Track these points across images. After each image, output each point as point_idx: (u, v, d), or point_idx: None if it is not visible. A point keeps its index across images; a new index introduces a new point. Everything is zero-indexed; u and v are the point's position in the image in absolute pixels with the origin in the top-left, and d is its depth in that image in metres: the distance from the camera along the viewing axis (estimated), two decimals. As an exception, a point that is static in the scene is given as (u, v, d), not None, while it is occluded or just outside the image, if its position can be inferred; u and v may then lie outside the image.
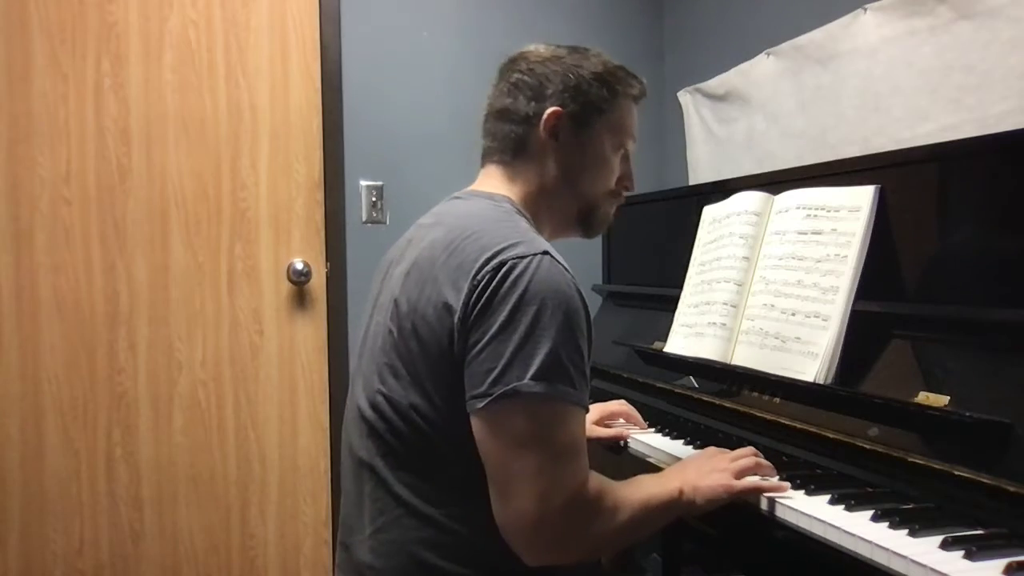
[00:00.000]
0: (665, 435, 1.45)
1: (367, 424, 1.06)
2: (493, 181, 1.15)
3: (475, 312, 0.94)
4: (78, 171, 2.10)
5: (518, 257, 0.95)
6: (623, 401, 1.56)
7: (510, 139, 1.14)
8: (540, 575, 1.01)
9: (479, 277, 0.94)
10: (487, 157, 1.18)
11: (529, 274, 0.94)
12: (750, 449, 1.13)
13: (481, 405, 0.92)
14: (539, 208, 1.14)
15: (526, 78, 1.13)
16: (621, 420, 1.53)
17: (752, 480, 1.07)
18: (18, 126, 2.05)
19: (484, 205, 1.10)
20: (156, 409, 2.17)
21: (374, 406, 1.04)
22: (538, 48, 1.17)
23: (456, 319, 0.95)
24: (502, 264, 0.94)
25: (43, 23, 2.06)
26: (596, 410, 1.51)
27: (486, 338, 0.93)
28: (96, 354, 2.12)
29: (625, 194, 1.25)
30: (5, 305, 2.05)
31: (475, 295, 0.94)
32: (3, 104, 2.04)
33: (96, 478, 2.13)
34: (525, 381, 0.90)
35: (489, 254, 0.96)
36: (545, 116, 1.11)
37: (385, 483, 1.03)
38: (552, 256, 0.97)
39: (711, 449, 1.16)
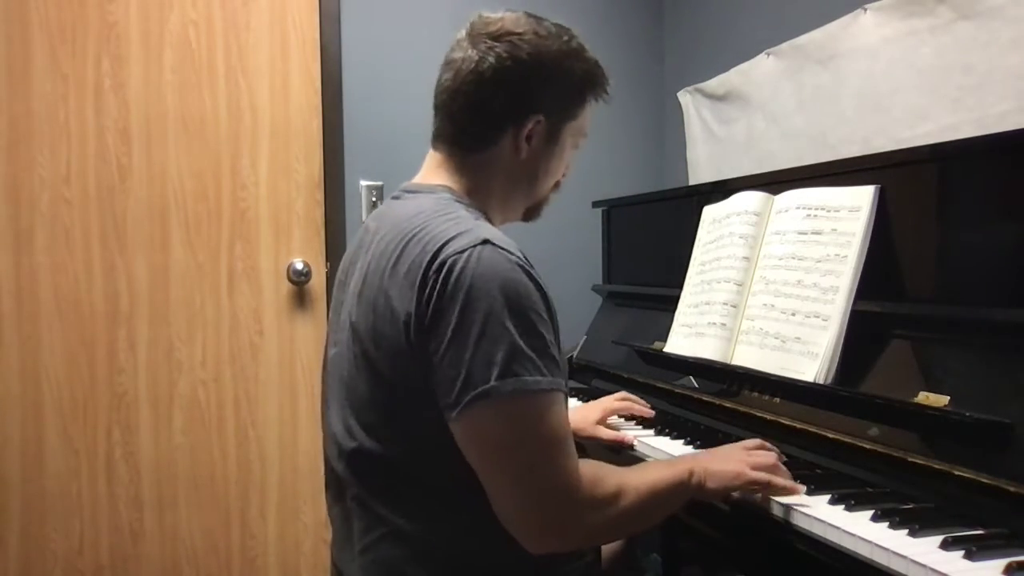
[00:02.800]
0: (665, 435, 1.44)
1: (342, 449, 1.03)
2: (439, 172, 1.10)
3: (427, 319, 0.91)
4: (78, 171, 2.10)
5: (457, 253, 0.91)
6: (624, 394, 1.56)
7: (475, 135, 1.07)
8: (543, 571, 1.01)
9: (424, 283, 0.91)
10: (440, 140, 1.10)
11: (471, 268, 0.90)
12: (772, 450, 1.11)
13: (454, 414, 0.90)
14: (488, 201, 1.09)
15: (513, 70, 1.03)
16: (616, 417, 1.53)
17: (765, 473, 1.06)
18: (18, 126, 2.05)
19: (420, 201, 1.04)
20: (156, 409, 2.17)
21: (348, 431, 1.02)
22: (526, 29, 1.05)
23: (412, 330, 0.92)
24: (443, 264, 0.91)
25: (43, 23, 2.06)
26: (598, 408, 1.51)
27: (444, 345, 0.90)
28: (96, 354, 2.12)
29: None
30: (5, 305, 2.05)
31: (423, 302, 0.91)
32: (3, 104, 2.04)
33: (96, 478, 2.13)
34: (492, 383, 0.88)
35: (431, 255, 0.92)
36: (530, 125, 1.05)
37: (366, 504, 1.01)
38: (492, 243, 0.93)
39: (732, 444, 1.15)
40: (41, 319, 2.08)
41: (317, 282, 2.29)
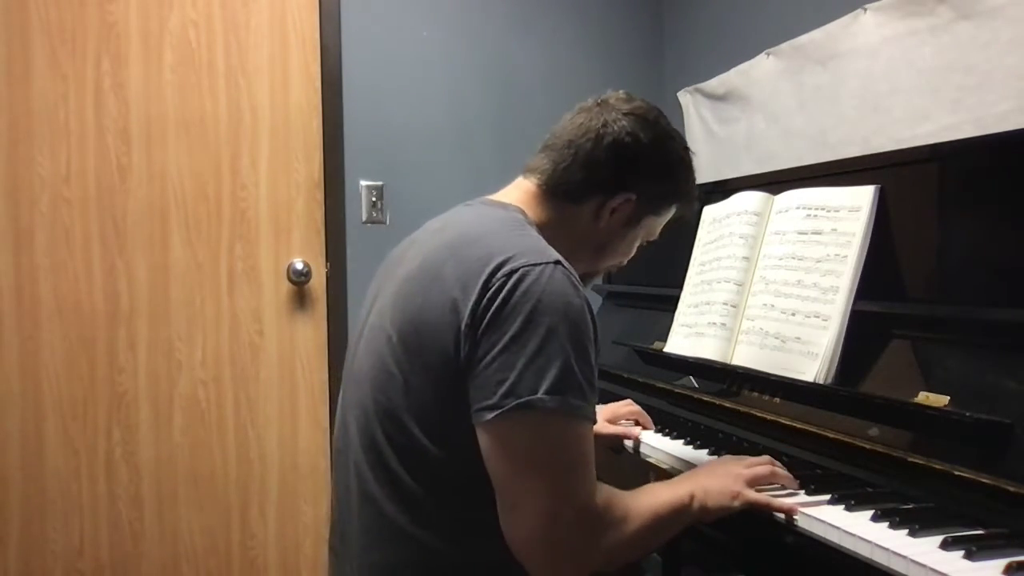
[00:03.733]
0: (665, 435, 1.44)
1: (359, 434, 1.03)
2: (518, 194, 1.12)
3: (486, 319, 0.91)
4: (78, 171, 2.10)
5: (531, 265, 0.93)
6: (630, 401, 1.56)
7: (572, 184, 1.09)
8: None
9: (491, 283, 0.92)
10: (534, 173, 1.13)
11: (542, 284, 0.92)
12: (766, 458, 1.11)
13: (491, 416, 0.90)
14: (553, 244, 1.07)
15: (630, 146, 1.08)
16: (624, 421, 1.53)
17: (763, 495, 1.05)
18: (18, 126, 2.05)
19: (494, 211, 1.07)
20: (156, 409, 2.17)
21: (366, 416, 1.01)
22: (639, 107, 1.11)
23: (464, 324, 0.92)
24: (513, 271, 0.92)
25: (43, 23, 2.07)
26: (607, 410, 1.51)
27: (497, 348, 0.90)
28: (96, 354, 2.12)
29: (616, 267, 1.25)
30: (5, 305, 2.05)
31: (486, 300, 0.92)
32: (3, 104, 2.04)
33: (96, 478, 2.13)
34: (539, 395, 0.88)
35: (500, 259, 0.93)
36: (620, 200, 1.10)
37: (375, 501, 1.00)
38: (564, 266, 0.95)
39: (727, 456, 1.15)
40: (41, 319, 2.08)
41: (317, 282, 2.29)
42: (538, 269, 0.93)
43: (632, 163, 1.09)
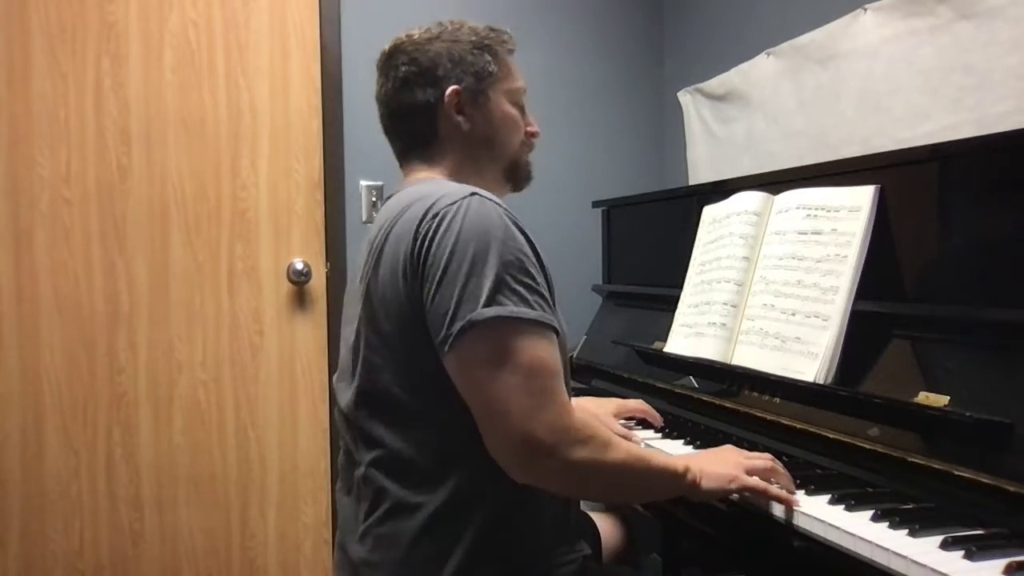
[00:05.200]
0: (665, 435, 1.45)
1: (349, 419, 1.09)
2: (417, 174, 1.18)
3: (420, 264, 0.98)
4: (78, 171, 2.10)
5: (449, 204, 0.99)
6: (641, 400, 1.56)
7: (419, 132, 1.17)
8: (539, 558, 1.03)
9: (419, 230, 0.99)
10: (403, 158, 1.21)
11: (460, 217, 0.98)
12: (768, 455, 1.12)
13: (447, 348, 0.95)
14: (467, 180, 1.15)
15: (413, 68, 1.16)
16: (623, 421, 1.53)
17: (761, 481, 1.06)
18: (18, 126, 2.05)
19: (413, 189, 1.12)
20: (156, 409, 2.17)
21: (355, 401, 1.07)
22: (410, 35, 1.19)
23: (408, 276, 0.99)
24: (436, 215, 0.99)
25: (43, 23, 2.07)
26: (615, 404, 1.51)
27: (434, 285, 0.96)
28: (96, 354, 2.12)
29: (533, 137, 1.26)
30: (5, 305, 2.05)
31: (416, 248, 0.98)
32: (3, 104, 2.04)
33: (96, 478, 2.13)
34: (477, 311, 0.93)
35: (423, 210, 1.00)
36: (447, 97, 1.15)
37: (372, 477, 1.04)
38: (480, 195, 1.01)
39: (728, 446, 1.16)
40: (41, 319, 2.08)
41: (317, 282, 2.29)
42: (455, 206, 0.99)
43: (426, 71, 1.15)
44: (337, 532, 1.16)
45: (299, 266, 2.25)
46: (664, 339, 1.64)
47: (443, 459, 1.01)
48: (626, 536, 1.49)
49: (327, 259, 2.30)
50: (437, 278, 0.96)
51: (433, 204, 1.00)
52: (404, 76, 1.16)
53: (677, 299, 1.65)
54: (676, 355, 1.57)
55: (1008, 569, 0.80)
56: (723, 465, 1.07)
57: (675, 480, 1.03)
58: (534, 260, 1.00)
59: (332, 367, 2.30)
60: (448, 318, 0.94)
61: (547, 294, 1.00)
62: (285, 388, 2.28)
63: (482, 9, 2.45)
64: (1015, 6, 1.44)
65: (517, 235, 0.99)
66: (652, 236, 2.05)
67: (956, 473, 0.97)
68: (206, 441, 2.21)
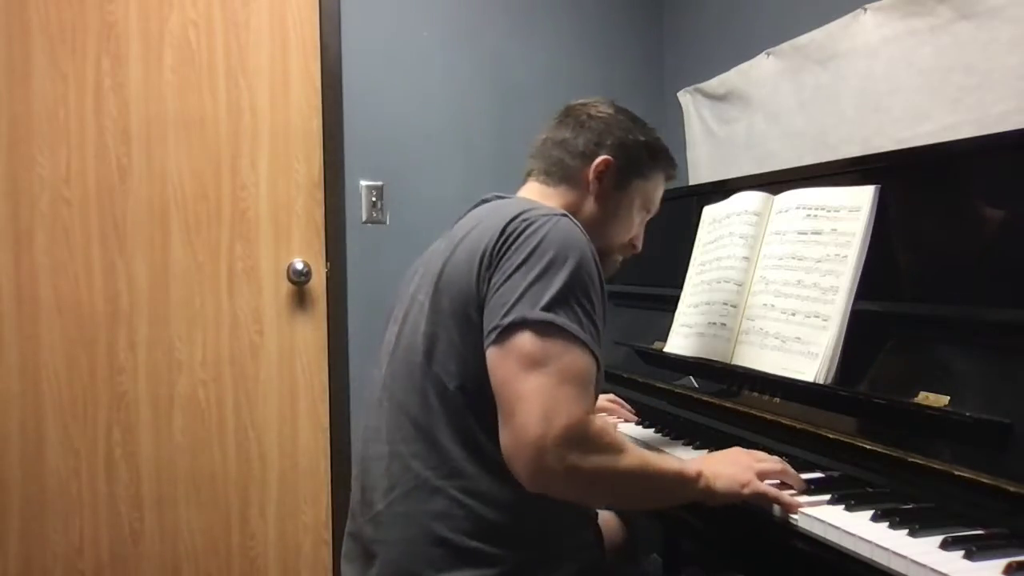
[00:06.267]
0: (665, 435, 1.45)
1: (388, 399, 1.10)
2: (529, 194, 1.24)
3: (499, 257, 1.02)
4: (78, 171, 2.10)
5: (543, 216, 1.04)
6: (613, 396, 1.59)
7: (559, 165, 1.24)
8: (550, 552, 1.03)
9: (507, 230, 1.03)
10: (531, 175, 1.28)
11: (548, 227, 1.02)
12: (777, 458, 1.12)
13: (493, 337, 0.97)
14: None
15: (591, 123, 1.24)
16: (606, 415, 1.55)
17: (771, 487, 1.06)
18: (18, 126, 2.05)
19: (513, 200, 1.18)
20: (156, 409, 2.17)
21: (394, 379, 1.10)
22: (603, 104, 1.28)
23: (483, 265, 1.02)
24: (527, 220, 1.03)
25: (43, 23, 2.07)
26: None
27: (504, 276, 1.00)
28: (96, 354, 2.12)
29: (632, 251, 1.34)
30: (5, 305, 2.05)
31: (499, 243, 1.02)
32: (3, 104, 2.04)
33: (96, 478, 2.13)
34: (534, 311, 0.96)
35: (514, 214, 1.05)
36: (598, 160, 1.22)
37: (400, 456, 1.06)
38: (571, 218, 1.06)
39: (737, 447, 1.16)
40: (41, 319, 2.08)
41: (317, 282, 2.29)
42: (545, 218, 1.04)
43: (601, 132, 1.24)
44: (348, 520, 1.17)
45: (299, 266, 2.25)
46: (664, 339, 1.64)
47: (472, 457, 1.03)
48: (626, 535, 1.49)
49: (327, 259, 2.30)
50: (509, 271, 1.00)
51: (526, 211, 1.05)
52: (580, 122, 1.25)
53: (677, 299, 1.65)
54: (676, 355, 1.57)
55: (1008, 569, 0.80)
56: (735, 468, 1.07)
57: (687, 485, 1.03)
58: (599, 292, 1.03)
59: (332, 367, 2.31)
60: (505, 309, 0.97)
61: (600, 326, 1.02)
62: (285, 388, 2.28)
63: (482, 9, 2.46)
64: (1015, 6, 1.44)
65: (593, 263, 1.03)
66: (652, 236, 2.05)
67: (956, 473, 0.97)
68: (206, 441, 2.21)
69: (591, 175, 1.22)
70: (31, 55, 2.06)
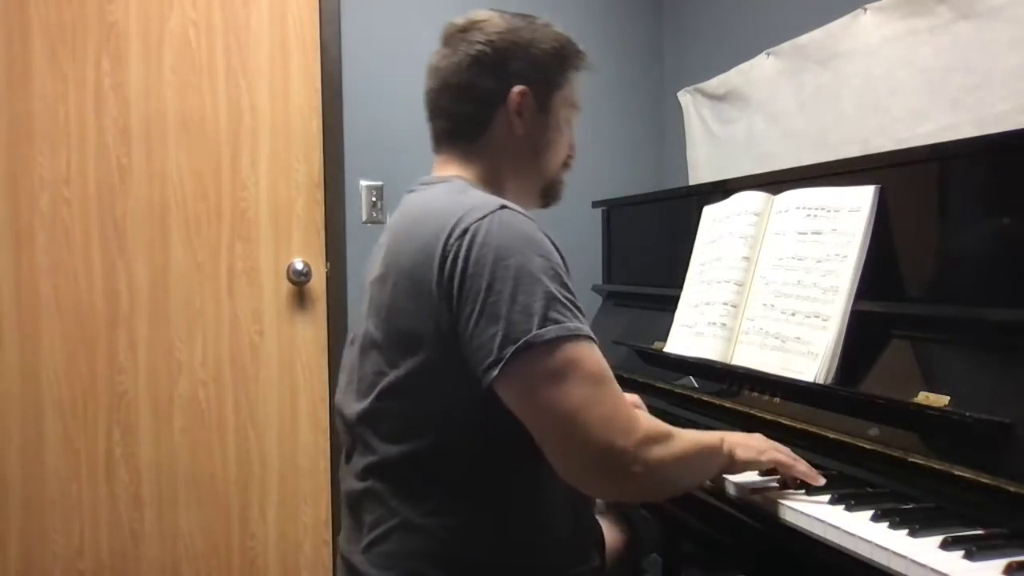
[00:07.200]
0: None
1: (359, 437, 1.04)
2: (449, 167, 1.12)
3: (456, 285, 0.92)
4: (78, 171, 2.10)
5: (477, 220, 0.93)
6: (637, 397, 1.56)
7: (472, 120, 1.10)
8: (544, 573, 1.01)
9: (447, 251, 0.93)
10: (444, 140, 1.13)
11: (494, 232, 0.92)
12: (788, 450, 1.12)
13: (496, 372, 0.89)
14: (503, 186, 1.12)
15: (487, 51, 1.08)
16: None
17: (790, 458, 1.07)
18: (18, 126, 2.05)
19: (435, 188, 1.08)
20: (156, 409, 2.17)
21: (363, 418, 1.02)
22: (491, 17, 1.12)
23: (436, 297, 0.93)
24: (464, 232, 0.93)
25: (43, 23, 2.06)
26: None
27: (477, 308, 0.90)
28: (96, 354, 2.12)
29: (571, 159, 1.22)
30: (5, 305, 2.05)
31: (447, 268, 0.92)
32: (3, 104, 2.04)
33: (96, 478, 2.13)
34: (534, 331, 0.89)
35: (449, 226, 0.94)
36: (512, 94, 1.09)
37: (380, 496, 1.00)
38: (509, 208, 0.96)
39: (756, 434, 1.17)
40: (41, 319, 2.08)
41: (317, 282, 2.29)
42: (486, 220, 0.93)
43: (500, 61, 1.09)
44: (340, 539, 1.13)
45: (299, 266, 2.25)
46: (664, 339, 1.64)
47: (455, 495, 0.98)
48: (628, 537, 1.49)
49: (327, 259, 2.30)
50: (480, 301, 0.90)
51: (460, 220, 0.94)
52: (476, 55, 1.08)
53: (677, 299, 1.65)
54: (676, 355, 1.57)
55: (1008, 569, 0.80)
56: (751, 440, 1.08)
57: (717, 455, 1.03)
58: (565, 269, 0.96)
59: (332, 367, 2.31)
60: (499, 340, 0.89)
61: (580, 304, 0.96)
62: (285, 388, 2.28)
63: (478, 7, 2.45)
64: (1015, 6, 1.44)
65: (551, 248, 0.96)
66: (652, 236, 2.05)
67: (956, 473, 0.97)
68: (206, 441, 2.21)
69: (511, 114, 1.09)
70: (31, 55, 2.06)
